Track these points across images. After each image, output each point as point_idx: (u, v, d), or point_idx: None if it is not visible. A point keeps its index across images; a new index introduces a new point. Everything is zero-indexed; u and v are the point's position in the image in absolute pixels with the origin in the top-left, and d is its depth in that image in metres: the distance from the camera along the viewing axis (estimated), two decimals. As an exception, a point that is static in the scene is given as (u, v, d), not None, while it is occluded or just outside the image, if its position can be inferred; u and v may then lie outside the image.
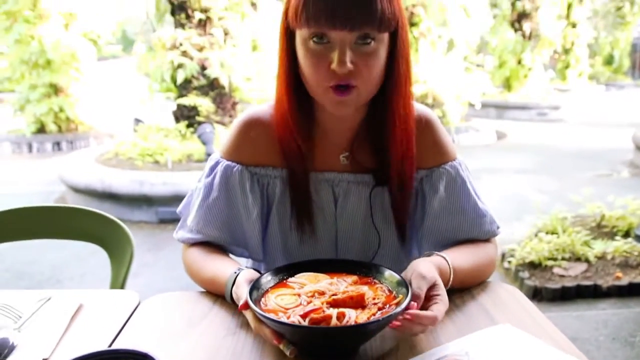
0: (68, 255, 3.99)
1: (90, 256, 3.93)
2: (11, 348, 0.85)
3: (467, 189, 1.11)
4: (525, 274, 3.28)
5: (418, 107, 1.10)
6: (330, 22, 0.88)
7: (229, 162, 1.10)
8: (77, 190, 5.30)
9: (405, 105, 1.02)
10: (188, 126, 6.18)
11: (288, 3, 0.94)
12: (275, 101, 1.06)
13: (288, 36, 0.98)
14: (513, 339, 0.84)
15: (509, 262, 3.48)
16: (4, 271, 3.75)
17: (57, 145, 8.84)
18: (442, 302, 0.85)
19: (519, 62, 12.42)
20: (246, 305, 0.82)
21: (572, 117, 11.87)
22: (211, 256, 1.09)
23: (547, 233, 3.69)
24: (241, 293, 0.88)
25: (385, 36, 0.94)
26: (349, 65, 0.90)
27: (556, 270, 3.29)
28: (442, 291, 0.87)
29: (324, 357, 0.80)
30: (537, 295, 3.12)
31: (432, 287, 0.87)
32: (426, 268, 0.89)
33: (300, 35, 0.94)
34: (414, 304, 0.82)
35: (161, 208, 4.81)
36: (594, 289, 3.13)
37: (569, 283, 3.15)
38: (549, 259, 3.37)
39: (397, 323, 0.81)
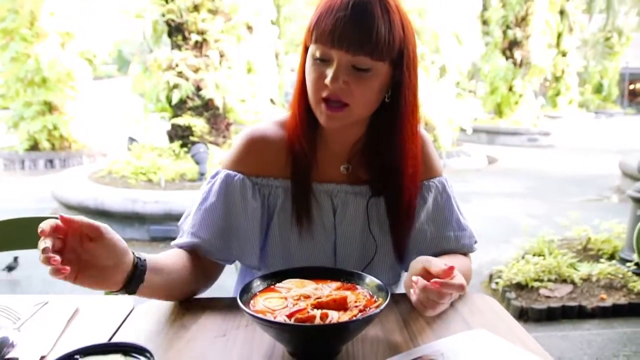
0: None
1: (81, 272, 3.94)
2: (11, 346, 0.89)
3: (452, 203, 1.21)
4: (512, 295, 3.33)
5: None
6: (330, 41, 0.98)
7: (230, 172, 1.14)
8: (70, 207, 5.32)
9: (413, 131, 1.10)
10: (182, 146, 6.25)
11: (309, 23, 1.04)
12: (290, 109, 1.15)
13: (305, 52, 1.07)
14: (487, 342, 0.90)
15: (497, 283, 3.54)
16: (-6, 286, 3.76)
17: (50, 162, 8.87)
18: (458, 275, 0.93)
19: (510, 88, 12.66)
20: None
21: (562, 144, 12.07)
22: (168, 257, 1.05)
23: (534, 255, 3.75)
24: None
25: (384, 66, 1.01)
26: (340, 83, 0.99)
27: (542, 291, 3.35)
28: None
29: (308, 356, 0.85)
30: (524, 315, 3.16)
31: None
32: (428, 256, 1.00)
33: (310, 50, 1.04)
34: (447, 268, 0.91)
35: (153, 226, 4.84)
36: (579, 309, 3.18)
37: (554, 304, 3.20)
38: (536, 280, 3.43)
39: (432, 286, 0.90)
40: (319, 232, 1.15)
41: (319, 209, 1.15)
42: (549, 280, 3.45)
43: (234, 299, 1.04)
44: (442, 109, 9.12)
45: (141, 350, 0.75)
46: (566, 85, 16.32)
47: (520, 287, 3.43)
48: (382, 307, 0.83)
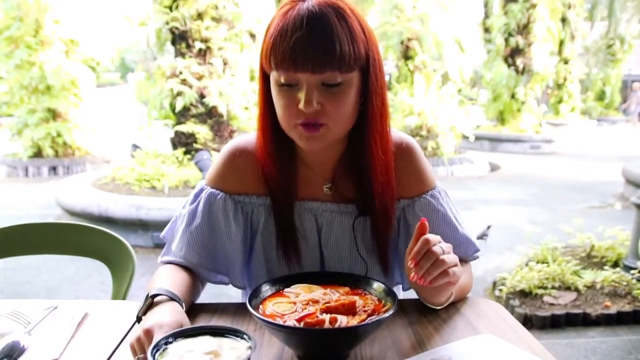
0: (62, 278, 4.01)
1: (85, 279, 3.95)
2: (22, 350, 0.90)
3: (449, 217, 1.15)
4: (516, 302, 3.32)
5: (399, 135, 1.15)
6: (293, 65, 0.93)
7: (213, 190, 1.13)
8: (73, 213, 5.34)
9: (382, 138, 1.05)
10: (185, 153, 6.27)
11: (262, 46, 1.00)
12: (257, 135, 1.10)
13: (264, 77, 1.03)
14: (494, 347, 0.90)
15: (500, 290, 3.53)
16: (-2, 292, 3.77)
17: (54, 169, 8.89)
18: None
19: (513, 96, 12.66)
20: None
21: (565, 151, 12.06)
22: (169, 274, 1.07)
23: (537, 262, 3.74)
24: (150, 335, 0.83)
25: (354, 75, 0.97)
26: (314, 105, 0.95)
27: (546, 298, 3.34)
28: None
29: (317, 360, 0.86)
30: (528, 322, 3.16)
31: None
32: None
33: (272, 76, 0.99)
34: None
35: (157, 233, 4.81)
36: (583, 317, 3.17)
37: (558, 311, 3.20)
38: (540, 287, 3.42)
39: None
40: (304, 252, 1.12)
41: (303, 228, 1.12)
42: (553, 288, 3.44)
43: (242, 304, 1.05)
44: (444, 116, 9.13)
45: (233, 332, 0.79)
46: (568, 93, 16.32)
47: (524, 294, 3.42)
48: (391, 311, 0.84)
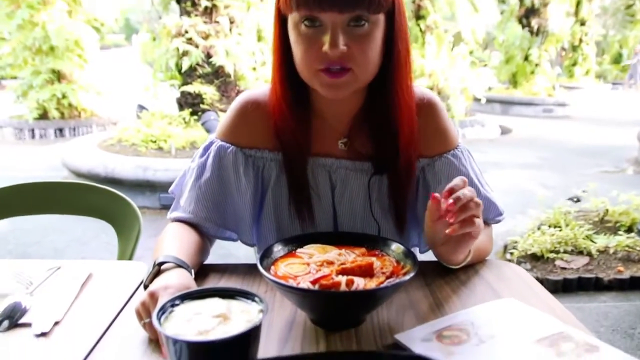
0: (69, 239, 4.01)
1: (92, 240, 3.96)
2: (23, 311, 0.86)
3: (471, 178, 1.08)
4: (527, 266, 3.29)
5: (421, 90, 1.08)
6: (318, 4, 0.87)
7: (223, 143, 1.08)
8: (80, 175, 5.32)
9: (406, 88, 1.00)
10: (192, 114, 6.19)
11: None
12: (271, 87, 1.04)
13: (281, 22, 0.96)
14: (517, 311, 0.86)
15: (511, 253, 3.49)
16: (7, 253, 3.77)
17: (60, 131, 8.85)
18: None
19: (526, 58, 12.36)
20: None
21: (578, 114, 11.85)
22: (176, 236, 1.02)
23: (549, 226, 3.70)
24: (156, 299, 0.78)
25: (381, 18, 0.92)
26: (341, 47, 0.88)
27: (558, 262, 3.30)
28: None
29: (332, 324, 0.81)
30: (539, 286, 3.13)
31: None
32: None
33: (291, 19, 0.93)
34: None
35: (164, 194, 4.82)
36: (596, 281, 3.13)
37: (570, 275, 3.16)
38: (551, 251, 3.38)
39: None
40: (317, 209, 1.07)
41: (316, 185, 1.07)
42: (565, 252, 3.40)
43: (252, 264, 1.00)
44: (456, 78, 8.95)
45: (243, 294, 0.73)
46: (583, 55, 15.93)
47: (535, 258, 3.38)
48: (411, 273, 0.78)
